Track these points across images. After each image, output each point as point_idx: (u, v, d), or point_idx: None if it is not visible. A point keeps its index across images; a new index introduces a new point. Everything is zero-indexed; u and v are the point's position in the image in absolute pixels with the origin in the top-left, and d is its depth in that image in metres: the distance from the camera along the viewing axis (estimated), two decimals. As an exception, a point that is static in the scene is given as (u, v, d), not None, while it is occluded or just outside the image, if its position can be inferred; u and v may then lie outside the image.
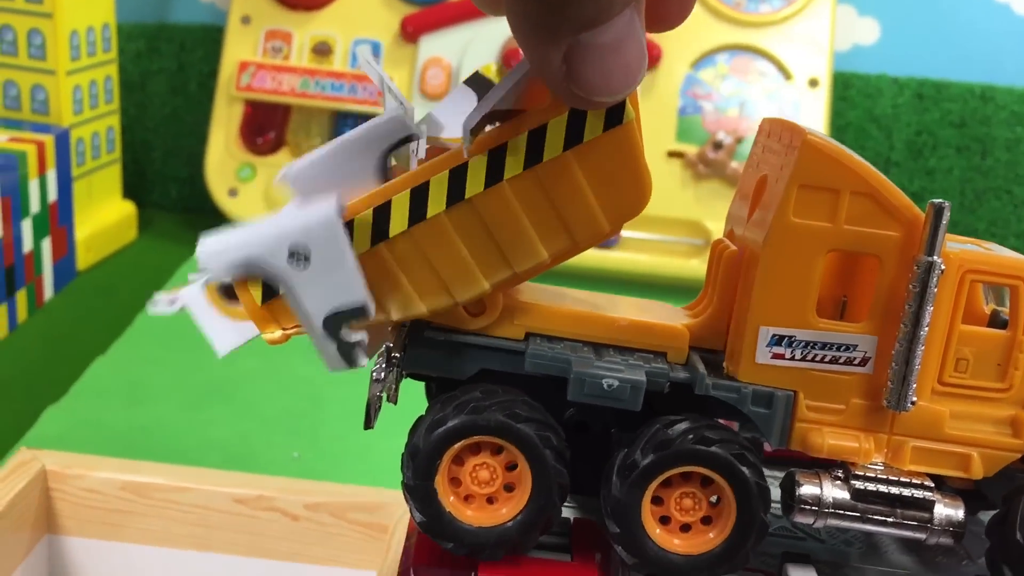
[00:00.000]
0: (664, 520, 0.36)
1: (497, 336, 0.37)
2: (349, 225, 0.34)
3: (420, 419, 0.36)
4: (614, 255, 1.12)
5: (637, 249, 1.14)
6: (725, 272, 0.38)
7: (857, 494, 0.36)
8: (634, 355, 0.37)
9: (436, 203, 0.34)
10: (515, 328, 0.37)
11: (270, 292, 0.35)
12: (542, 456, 0.35)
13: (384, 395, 0.37)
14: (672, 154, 1.16)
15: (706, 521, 0.36)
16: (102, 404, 0.82)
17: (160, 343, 0.93)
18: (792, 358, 0.36)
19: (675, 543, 0.36)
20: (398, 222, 0.34)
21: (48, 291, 0.99)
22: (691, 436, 0.35)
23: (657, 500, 0.36)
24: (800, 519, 0.36)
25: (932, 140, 1.26)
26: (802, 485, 0.36)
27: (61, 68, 1.00)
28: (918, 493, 0.36)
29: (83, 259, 1.06)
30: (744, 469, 0.35)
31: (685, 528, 0.36)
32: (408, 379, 0.39)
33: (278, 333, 0.35)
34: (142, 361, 0.90)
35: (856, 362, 0.36)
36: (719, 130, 1.16)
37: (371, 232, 0.34)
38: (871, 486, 0.36)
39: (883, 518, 0.36)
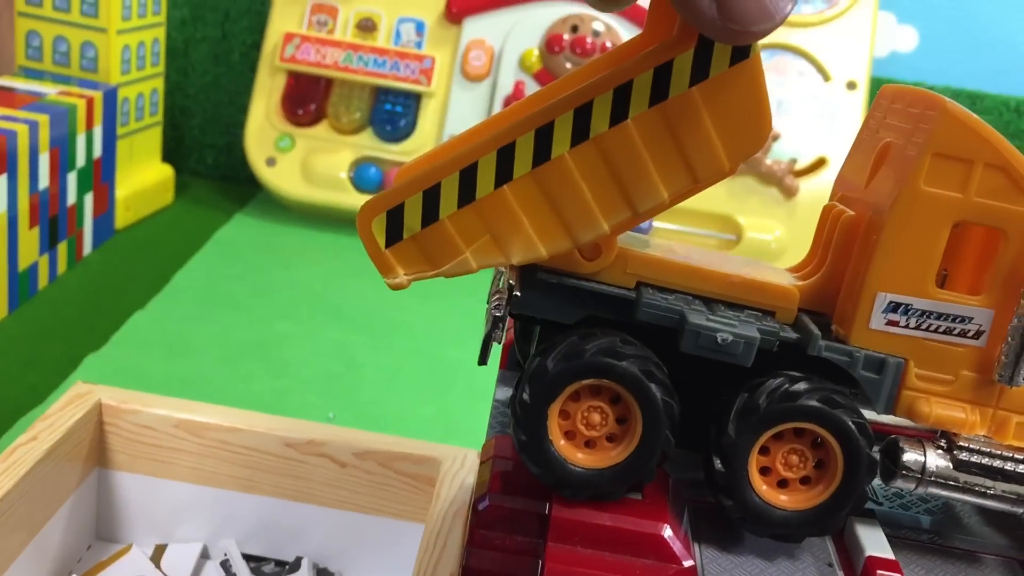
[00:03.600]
0: (764, 471, 0.37)
1: (608, 283, 0.37)
2: (474, 167, 0.34)
3: (550, 344, 0.36)
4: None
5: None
6: (841, 236, 0.38)
7: (959, 464, 0.37)
8: (744, 312, 0.37)
9: (560, 143, 0.34)
10: (627, 276, 0.37)
11: (394, 236, 0.35)
12: (661, 420, 0.35)
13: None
14: (708, 148, 1.17)
15: (805, 481, 0.37)
16: (142, 355, 0.83)
17: (198, 302, 0.94)
18: (906, 326, 0.36)
19: (778, 497, 0.36)
20: (522, 163, 0.34)
21: (88, 246, 1.00)
22: (818, 395, 0.35)
23: (763, 451, 0.36)
24: (901, 485, 0.37)
25: (965, 150, 1.26)
26: (906, 452, 0.37)
27: (112, 26, 1.01)
28: (1021, 468, 0.36)
29: (122, 218, 1.07)
30: (862, 439, 0.35)
31: (782, 484, 0.37)
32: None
33: (402, 278, 0.35)
34: (180, 317, 0.90)
35: (970, 334, 0.36)
36: (756, 127, 1.17)
37: (495, 174, 0.34)
38: (974, 457, 0.36)
39: (983, 490, 0.37)
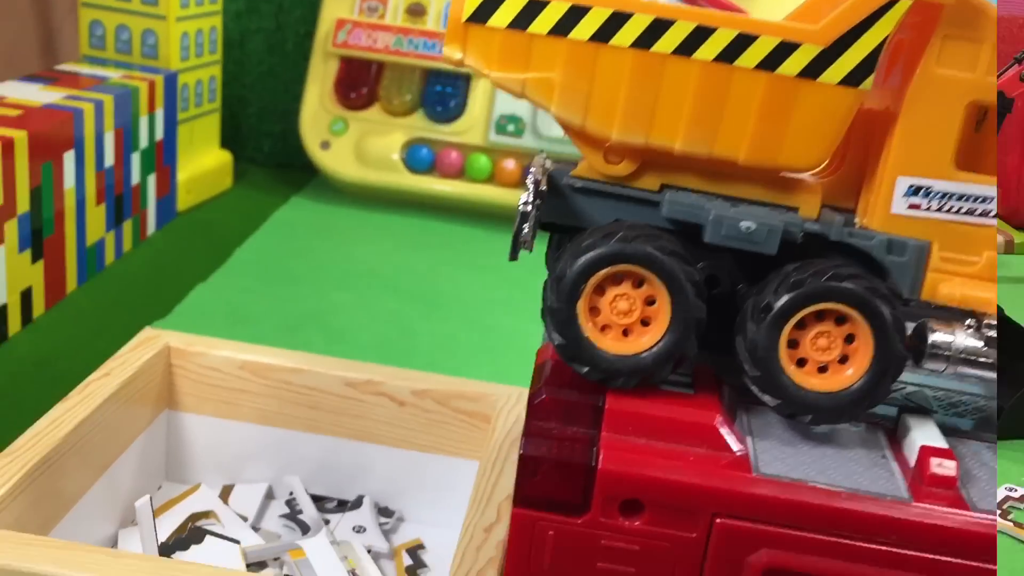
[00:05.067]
0: (801, 363, 0.37)
1: (634, 187, 0.38)
2: (585, 10, 0.35)
3: (564, 249, 0.38)
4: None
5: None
6: (859, 129, 0.39)
7: (990, 342, 0.37)
8: (768, 207, 0.38)
9: (667, 43, 0.35)
10: (651, 180, 0.38)
11: (479, 17, 0.36)
12: (683, 289, 0.36)
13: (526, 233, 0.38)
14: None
15: (843, 360, 0.37)
16: (204, 323, 0.85)
17: (258, 276, 0.97)
18: (928, 208, 0.37)
19: (814, 382, 0.37)
20: (625, 35, 0.35)
21: (151, 226, 1.03)
22: (824, 274, 0.36)
23: (792, 344, 0.37)
24: (931, 365, 0.37)
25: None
26: (934, 332, 0.37)
27: (171, 14, 1.04)
28: None
29: (183, 200, 1.10)
30: (878, 301, 0.36)
31: (823, 369, 0.37)
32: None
33: (457, 55, 0.36)
34: (241, 290, 0.93)
35: (992, 214, 0.36)
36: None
37: (598, 27, 0.35)
38: None
39: None
